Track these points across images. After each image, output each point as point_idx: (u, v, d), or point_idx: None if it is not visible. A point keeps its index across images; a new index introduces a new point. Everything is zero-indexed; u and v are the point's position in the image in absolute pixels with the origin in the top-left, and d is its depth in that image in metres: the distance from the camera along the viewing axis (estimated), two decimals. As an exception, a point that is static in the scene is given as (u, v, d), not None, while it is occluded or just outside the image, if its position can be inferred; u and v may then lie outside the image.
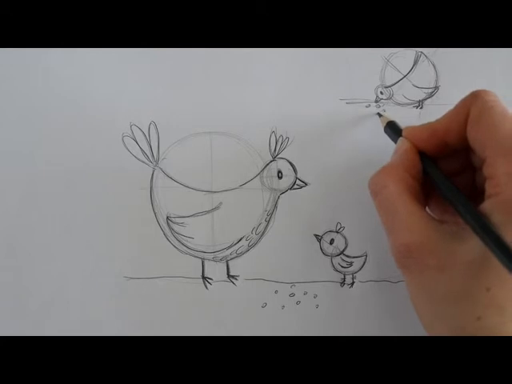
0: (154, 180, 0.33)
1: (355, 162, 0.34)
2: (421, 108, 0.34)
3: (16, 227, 0.32)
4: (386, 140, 0.34)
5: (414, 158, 0.28)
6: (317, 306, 0.32)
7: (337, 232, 0.33)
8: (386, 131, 0.32)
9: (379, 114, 0.33)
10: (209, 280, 0.32)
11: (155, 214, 0.33)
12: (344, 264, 0.33)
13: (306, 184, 0.33)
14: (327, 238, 0.33)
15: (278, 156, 0.34)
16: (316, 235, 0.33)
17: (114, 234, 0.32)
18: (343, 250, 0.33)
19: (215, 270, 0.32)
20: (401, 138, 0.29)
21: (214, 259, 0.33)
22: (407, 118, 0.34)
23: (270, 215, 0.33)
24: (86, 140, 0.33)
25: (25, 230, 0.32)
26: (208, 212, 0.33)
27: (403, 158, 0.28)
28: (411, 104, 0.34)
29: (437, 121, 0.28)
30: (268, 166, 0.33)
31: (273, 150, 0.34)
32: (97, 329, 0.31)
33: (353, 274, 0.33)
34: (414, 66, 0.35)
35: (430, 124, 0.28)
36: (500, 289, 0.24)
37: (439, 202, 0.29)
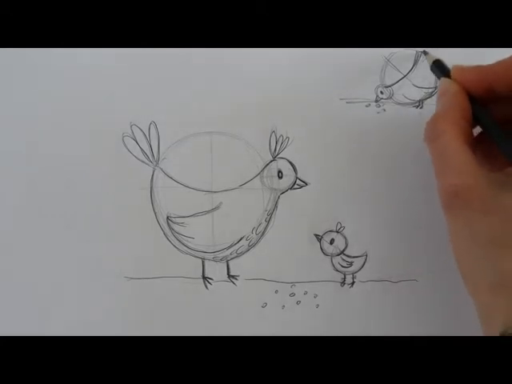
0: (154, 180, 0.33)
1: (355, 162, 0.34)
2: (421, 108, 0.34)
3: (16, 227, 0.32)
4: (386, 139, 0.34)
5: (464, 102, 0.27)
6: (317, 306, 0.32)
7: (337, 232, 0.33)
8: (432, 69, 0.31)
9: (425, 52, 0.33)
10: (209, 280, 0.32)
11: (155, 213, 0.33)
12: (344, 264, 0.33)
13: (306, 184, 0.33)
14: (327, 238, 0.33)
15: (278, 156, 0.34)
16: (316, 235, 0.33)
17: (114, 234, 0.32)
18: (343, 250, 0.33)
19: (215, 270, 0.32)
20: (447, 79, 0.29)
21: (214, 259, 0.33)
22: (407, 118, 0.34)
23: (270, 215, 0.33)
24: (86, 140, 0.33)
25: (25, 230, 0.32)
26: (208, 212, 0.33)
27: (455, 102, 0.27)
28: (411, 104, 0.34)
29: (488, 65, 0.28)
30: (268, 166, 0.33)
31: (273, 150, 0.34)
32: (97, 329, 0.31)
33: (353, 274, 0.33)
34: (413, 65, 0.35)
35: (480, 66, 0.28)
36: None
37: (485, 149, 0.29)
